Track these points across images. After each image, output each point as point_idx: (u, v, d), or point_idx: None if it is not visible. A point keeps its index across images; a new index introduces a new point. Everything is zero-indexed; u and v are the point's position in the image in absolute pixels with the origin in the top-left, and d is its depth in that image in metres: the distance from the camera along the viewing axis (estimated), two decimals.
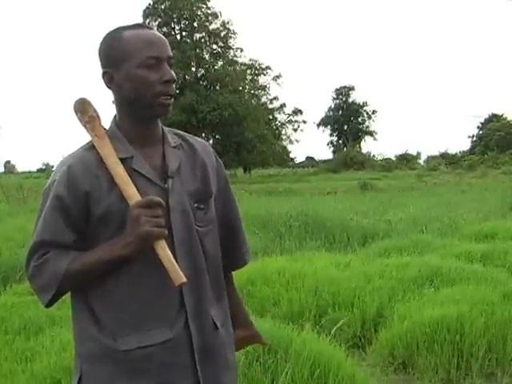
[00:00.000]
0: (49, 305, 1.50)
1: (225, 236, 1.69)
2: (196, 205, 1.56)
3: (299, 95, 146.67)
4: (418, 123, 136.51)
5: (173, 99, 1.54)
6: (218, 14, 45.49)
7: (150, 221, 1.40)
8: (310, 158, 76.22)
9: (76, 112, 1.54)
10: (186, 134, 1.67)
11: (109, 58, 1.51)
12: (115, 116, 1.57)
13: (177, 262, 1.44)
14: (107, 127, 1.56)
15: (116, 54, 1.50)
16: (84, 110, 1.54)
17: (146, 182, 1.50)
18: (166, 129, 1.62)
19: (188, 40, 45.06)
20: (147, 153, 1.53)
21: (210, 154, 1.67)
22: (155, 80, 1.48)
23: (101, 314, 1.48)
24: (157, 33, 1.53)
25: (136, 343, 1.46)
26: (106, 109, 1.61)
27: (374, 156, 62.31)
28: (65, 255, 1.45)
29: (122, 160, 1.48)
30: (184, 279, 1.41)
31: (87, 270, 1.45)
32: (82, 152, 1.52)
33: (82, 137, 1.57)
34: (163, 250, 1.42)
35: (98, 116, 1.54)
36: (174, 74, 1.52)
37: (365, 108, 72.63)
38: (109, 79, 1.52)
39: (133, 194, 1.44)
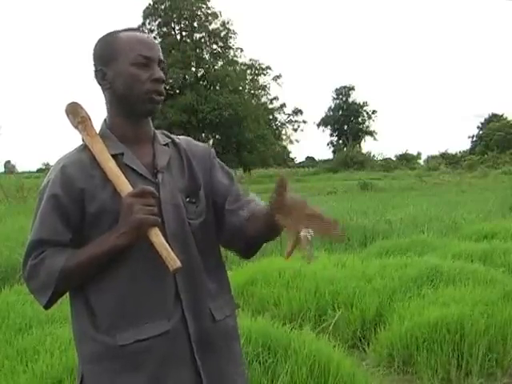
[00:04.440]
0: (48, 305, 1.51)
1: (228, 212, 1.63)
2: (188, 199, 1.59)
3: (299, 95, 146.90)
4: (418, 123, 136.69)
5: (162, 98, 1.58)
6: (218, 14, 45.50)
7: (143, 209, 1.42)
8: (310, 158, 76.22)
9: (67, 114, 1.59)
10: (169, 133, 1.70)
11: (102, 57, 1.57)
12: (105, 119, 1.61)
13: None
14: (98, 130, 1.60)
15: (109, 52, 1.56)
16: (75, 112, 1.58)
17: (138, 176, 1.53)
18: (157, 131, 1.66)
19: (188, 40, 45.03)
20: (138, 150, 1.56)
21: (195, 146, 1.69)
22: (145, 78, 1.53)
23: (99, 311, 1.49)
24: (150, 36, 1.61)
25: (134, 336, 1.47)
26: (99, 113, 1.64)
27: (374, 156, 62.42)
28: (61, 253, 1.46)
29: (114, 156, 1.52)
30: (179, 264, 1.42)
31: (84, 265, 1.46)
32: (76, 153, 1.56)
33: (82, 137, 1.58)
34: (157, 238, 1.44)
35: (89, 118, 1.58)
36: (163, 76, 1.57)
37: (365, 108, 72.76)
38: (101, 77, 1.57)
39: (125, 187, 1.47)
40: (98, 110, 1.66)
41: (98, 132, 1.57)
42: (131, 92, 1.53)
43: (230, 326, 1.64)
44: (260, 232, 1.53)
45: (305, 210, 1.33)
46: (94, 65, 1.58)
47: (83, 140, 1.56)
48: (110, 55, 1.55)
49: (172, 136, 1.69)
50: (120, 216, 1.44)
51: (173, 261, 1.42)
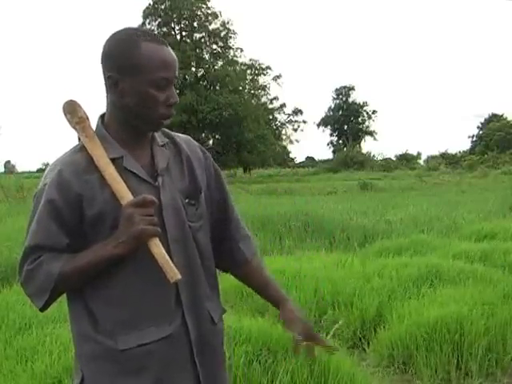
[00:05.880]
0: (43, 309, 1.50)
1: (220, 227, 1.69)
2: (187, 201, 1.57)
3: (299, 95, 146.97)
4: (418, 123, 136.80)
5: (170, 121, 1.55)
6: (218, 14, 45.61)
7: (144, 219, 1.40)
8: (310, 158, 76.25)
9: (65, 114, 1.54)
10: (170, 132, 1.67)
11: (119, 65, 1.47)
12: (102, 116, 1.56)
13: (171, 258, 1.44)
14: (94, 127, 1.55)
15: (129, 64, 1.46)
16: (73, 111, 1.53)
17: (138, 180, 1.50)
18: None
19: (188, 40, 45.09)
20: (136, 153, 1.53)
21: (195, 147, 1.67)
22: (162, 101, 1.48)
23: (99, 314, 1.48)
24: (171, 52, 1.51)
25: (135, 341, 1.46)
26: (97, 111, 1.61)
27: (374, 156, 62.44)
28: (58, 258, 1.45)
29: (113, 160, 1.48)
30: (179, 276, 1.42)
31: (80, 272, 1.44)
32: (72, 154, 1.51)
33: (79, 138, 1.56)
34: (157, 248, 1.43)
35: (88, 117, 1.54)
36: (178, 98, 1.53)
37: (365, 108, 72.84)
38: (113, 84, 1.48)
39: (125, 194, 1.45)
40: (96, 108, 1.64)
41: (94, 131, 1.53)
42: (143, 112, 1.48)
43: (222, 328, 1.66)
44: (252, 287, 1.77)
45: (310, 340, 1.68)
46: (105, 67, 1.49)
47: (80, 140, 1.53)
48: (128, 67, 1.45)
49: (172, 134, 1.65)
50: (119, 224, 1.42)
51: (172, 272, 1.41)
